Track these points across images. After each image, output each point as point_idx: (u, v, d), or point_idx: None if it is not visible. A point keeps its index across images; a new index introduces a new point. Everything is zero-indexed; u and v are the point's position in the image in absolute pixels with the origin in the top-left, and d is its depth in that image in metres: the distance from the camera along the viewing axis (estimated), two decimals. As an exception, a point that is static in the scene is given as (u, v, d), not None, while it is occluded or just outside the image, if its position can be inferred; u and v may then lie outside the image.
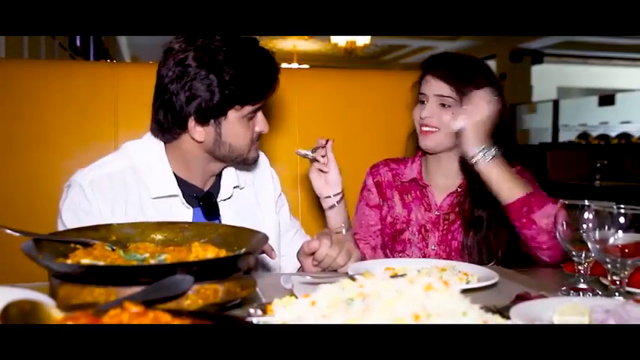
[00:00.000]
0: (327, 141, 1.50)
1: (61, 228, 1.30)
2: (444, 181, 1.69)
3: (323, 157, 1.50)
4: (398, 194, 1.73)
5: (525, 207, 1.40)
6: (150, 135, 1.42)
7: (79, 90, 1.78)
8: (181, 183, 1.40)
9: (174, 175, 1.40)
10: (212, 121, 1.33)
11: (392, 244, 1.70)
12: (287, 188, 1.85)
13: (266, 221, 1.52)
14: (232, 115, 1.34)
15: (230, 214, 1.45)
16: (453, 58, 1.67)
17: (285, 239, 1.60)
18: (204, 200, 1.42)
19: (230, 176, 1.48)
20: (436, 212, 1.68)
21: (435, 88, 1.59)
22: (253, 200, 1.53)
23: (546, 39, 10.20)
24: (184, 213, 1.39)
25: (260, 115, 1.41)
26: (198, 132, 1.34)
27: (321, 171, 1.51)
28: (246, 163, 1.47)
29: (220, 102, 1.31)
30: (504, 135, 1.54)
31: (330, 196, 1.52)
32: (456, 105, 1.55)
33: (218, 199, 1.45)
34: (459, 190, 1.67)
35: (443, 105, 1.59)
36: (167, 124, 1.35)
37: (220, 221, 1.43)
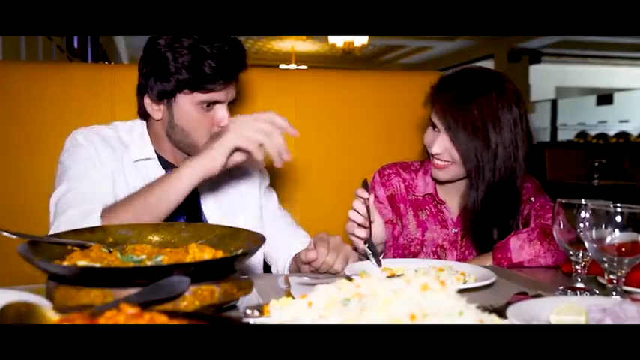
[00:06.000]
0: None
1: (59, 173, 1.41)
2: (459, 196, 1.61)
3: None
4: (412, 211, 1.62)
5: (503, 262, 1.44)
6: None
7: (77, 92, 1.78)
8: (159, 157, 1.50)
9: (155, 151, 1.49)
10: (165, 100, 1.41)
11: None
12: (286, 187, 1.85)
13: (246, 210, 1.56)
14: (182, 98, 1.39)
15: (209, 194, 1.51)
16: (458, 85, 1.51)
17: (275, 227, 1.61)
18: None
19: None
20: (454, 230, 1.60)
21: (444, 123, 1.49)
22: (234, 188, 1.57)
23: (544, 38, 10.20)
24: (160, 173, 1.45)
25: (221, 108, 1.41)
26: (155, 110, 1.43)
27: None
28: None
29: (170, 83, 1.37)
30: (528, 139, 1.51)
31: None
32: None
33: None
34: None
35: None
36: (139, 101, 1.46)
37: (198, 194, 1.49)
